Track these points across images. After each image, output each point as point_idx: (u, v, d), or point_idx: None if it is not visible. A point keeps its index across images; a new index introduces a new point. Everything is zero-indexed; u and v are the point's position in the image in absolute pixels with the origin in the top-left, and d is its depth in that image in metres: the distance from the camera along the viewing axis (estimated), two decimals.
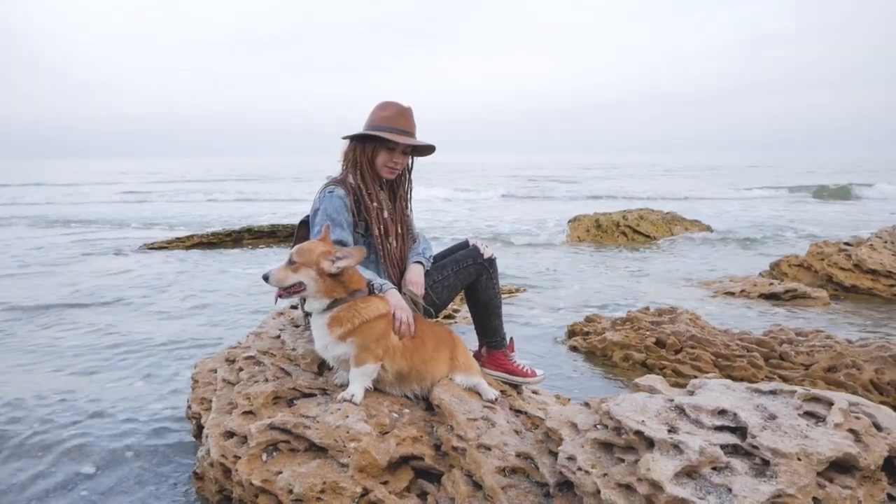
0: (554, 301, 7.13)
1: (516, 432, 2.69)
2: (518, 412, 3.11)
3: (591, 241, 12.37)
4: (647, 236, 12.87)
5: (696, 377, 4.24)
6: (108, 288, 7.80)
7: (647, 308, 5.50)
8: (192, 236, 12.20)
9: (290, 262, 2.57)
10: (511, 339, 3.55)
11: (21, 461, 3.26)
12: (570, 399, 3.96)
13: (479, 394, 2.98)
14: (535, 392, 3.60)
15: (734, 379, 4.11)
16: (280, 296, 2.61)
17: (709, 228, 13.49)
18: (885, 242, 7.27)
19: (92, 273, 8.94)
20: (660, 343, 4.67)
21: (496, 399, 2.96)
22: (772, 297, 6.84)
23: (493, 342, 3.47)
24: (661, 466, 1.83)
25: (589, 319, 5.62)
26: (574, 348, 5.24)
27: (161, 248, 11.66)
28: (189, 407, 3.21)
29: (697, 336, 4.50)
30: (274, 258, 10.54)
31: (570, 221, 13.68)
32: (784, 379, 3.95)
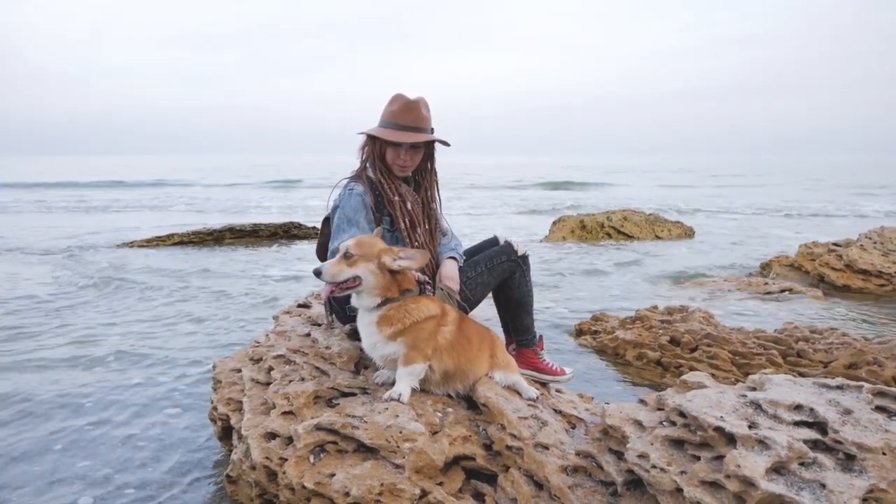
0: (553, 300, 7.11)
1: (565, 430, 2.64)
2: (555, 411, 3.05)
3: (576, 242, 12.42)
4: (631, 237, 12.99)
5: (713, 375, 4.25)
6: (100, 289, 7.54)
7: (656, 307, 5.51)
8: (172, 235, 11.90)
9: (347, 256, 2.47)
10: (541, 336, 3.49)
11: (34, 468, 3.09)
12: (592, 398, 3.93)
13: (518, 392, 2.91)
14: (558, 391, 3.55)
15: None
16: (332, 292, 2.52)
17: (691, 231, 13.67)
18: (875, 243, 7.43)
19: (72, 273, 8.62)
20: (674, 341, 4.66)
21: (537, 398, 2.90)
22: (767, 296, 6.92)
23: (523, 340, 3.41)
24: (751, 462, 1.79)
25: (596, 318, 5.61)
26: (583, 347, 5.22)
27: (140, 246, 11.35)
28: (215, 408, 3.07)
29: (713, 334, 4.51)
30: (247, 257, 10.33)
31: (554, 222, 13.74)
32: (803, 377, 3.96)
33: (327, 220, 3.18)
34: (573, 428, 2.81)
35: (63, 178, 38.38)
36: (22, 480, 2.96)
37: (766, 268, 8.20)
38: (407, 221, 3.10)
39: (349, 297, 2.73)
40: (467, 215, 19.82)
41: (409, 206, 3.12)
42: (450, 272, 3.07)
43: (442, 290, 3.01)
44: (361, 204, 3.00)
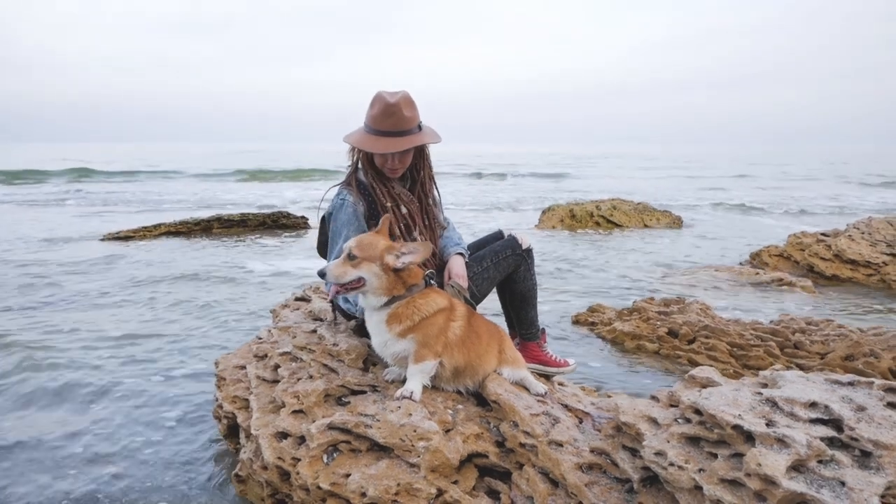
0: (546, 289, 7.12)
1: (576, 427, 2.64)
2: (561, 405, 3.06)
3: (566, 231, 12.46)
4: (620, 226, 13.06)
5: (712, 366, 4.28)
6: (82, 282, 7.43)
7: (652, 298, 5.54)
8: (159, 225, 11.74)
9: (350, 257, 2.44)
10: (543, 329, 3.50)
11: (38, 469, 3.05)
12: (595, 390, 3.95)
13: (525, 388, 2.91)
14: (561, 384, 3.55)
15: (750, 368, 4.18)
16: (338, 292, 2.49)
17: (679, 220, 13.76)
18: (863, 233, 7.53)
19: (60, 265, 8.48)
20: (672, 333, 4.70)
21: (545, 393, 2.91)
22: (758, 286, 6.99)
23: (528, 334, 3.42)
24: (771, 461, 1.80)
25: (592, 309, 5.63)
26: (582, 335, 5.24)
27: (127, 237, 11.18)
28: (220, 406, 3.04)
29: (711, 326, 4.54)
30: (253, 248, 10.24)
31: (544, 211, 13.77)
32: (801, 368, 4.01)
33: (325, 220, 3.14)
34: (580, 423, 2.82)
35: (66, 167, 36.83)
36: (26, 474, 2.92)
37: (755, 257, 8.28)
38: (402, 226, 3.04)
39: (349, 301, 2.72)
40: (462, 207, 19.79)
41: (403, 210, 3.06)
42: (459, 269, 3.05)
43: (452, 287, 2.99)
44: (353, 216, 2.94)
